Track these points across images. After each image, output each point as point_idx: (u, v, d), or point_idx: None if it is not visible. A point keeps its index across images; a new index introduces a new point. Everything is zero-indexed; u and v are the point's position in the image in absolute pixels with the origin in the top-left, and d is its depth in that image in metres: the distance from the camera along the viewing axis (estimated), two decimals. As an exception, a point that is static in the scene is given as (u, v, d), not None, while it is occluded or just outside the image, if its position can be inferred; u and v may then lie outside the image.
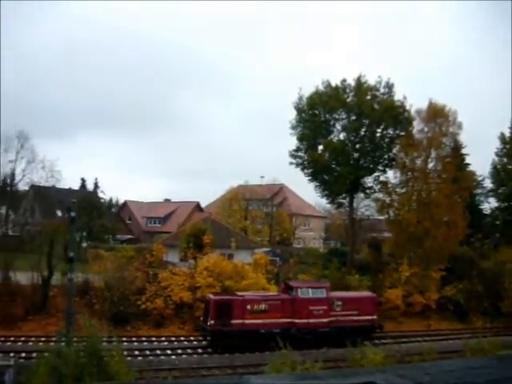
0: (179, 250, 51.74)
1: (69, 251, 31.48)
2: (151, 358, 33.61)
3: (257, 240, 69.15)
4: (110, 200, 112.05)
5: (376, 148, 55.14)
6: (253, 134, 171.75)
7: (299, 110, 56.24)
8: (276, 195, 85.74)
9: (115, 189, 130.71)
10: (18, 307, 41.19)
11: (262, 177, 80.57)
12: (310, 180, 57.71)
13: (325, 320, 38.24)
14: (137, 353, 33.70)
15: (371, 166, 55.91)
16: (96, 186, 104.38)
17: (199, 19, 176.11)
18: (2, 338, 36.38)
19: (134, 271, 44.20)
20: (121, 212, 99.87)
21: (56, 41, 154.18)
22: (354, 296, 42.16)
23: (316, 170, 55.85)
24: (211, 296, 37.41)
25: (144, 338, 38.03)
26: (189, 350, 35.97)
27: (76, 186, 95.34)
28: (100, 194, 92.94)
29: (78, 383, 16.83)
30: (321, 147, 56.62)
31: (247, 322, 36.51)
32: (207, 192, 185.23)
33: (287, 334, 35.23)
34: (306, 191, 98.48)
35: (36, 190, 62.14)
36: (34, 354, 29.59)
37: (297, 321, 37.53)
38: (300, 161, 56.64)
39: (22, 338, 36.73)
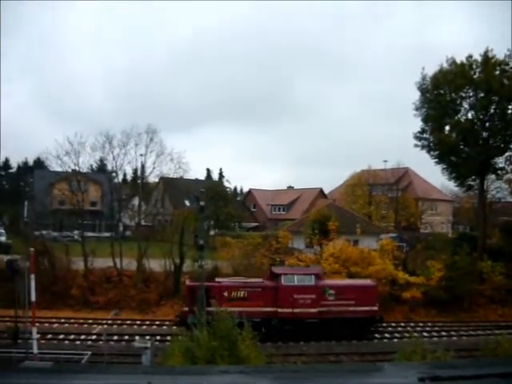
0: (304, 236, 51.95)
1: (198, 239, 32.50)
2: (280, 343, 34.14)
3: (382, 226, 68.00)
4: (235, 189, 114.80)
5: (507, 126, 52.08)
6: (374, 117, 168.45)
7: (423, 90, 54.31)
8: (401, 179, 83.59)
9: (239, 178, 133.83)
10: (152, 293, 43.50)
11: (386, 161, 79.05)
12: (436, 162, 55.57)
13: (313, 310, 34.94)
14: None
15: (502, 145, 52.87)
16: (221, 175, 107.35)
17: (316, 5, 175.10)
18: (139, 322, 38.69)
19: (260, 258, 45.04)
20: (246, 200, 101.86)
21: (180, 39, 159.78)
22: (351, 284, 38.34)
23: (443, 151, 53.71)
24: (187, 282, 36.44)
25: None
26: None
27: (202, 176, 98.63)
28: (225, 184, 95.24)
29: (209, 365, 17.43)
30: (447, 128, 54.39)
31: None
32: (330, 178, 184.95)
33: (268, 324, 33.46)
34: (432, 174, 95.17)
35: (165, 181, 64.68)
36: (169, 337, 31.36)
37: (280, 310, 34.83)
38: (425, 143, 54.72)
39: (157, 322, 38.83)
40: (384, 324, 38.25)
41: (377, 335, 36.76)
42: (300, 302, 34.85)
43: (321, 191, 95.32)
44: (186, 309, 34.23)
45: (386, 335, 37.09)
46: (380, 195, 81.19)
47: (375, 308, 35.92)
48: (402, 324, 39.92)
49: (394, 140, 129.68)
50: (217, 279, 37.24)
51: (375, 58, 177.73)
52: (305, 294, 34.89)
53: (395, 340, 35.78)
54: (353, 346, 34.21)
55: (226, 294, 34.47)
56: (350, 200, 77.94)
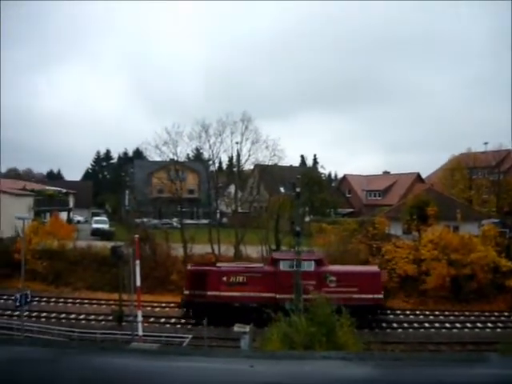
0: (402, 222, 50.95)
1: (295, 225, 32.62)
2: (377, 330, 33.83)
3: (483, 211, 65.40)
4: (330, 175, 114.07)
5: None
6: (471, 100, 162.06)
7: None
8: (503, 162, 79.94)
9: (333, 163, 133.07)
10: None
11: (486, 143, 75.72)
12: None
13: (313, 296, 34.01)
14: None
15: None
16: (315, 161, 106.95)
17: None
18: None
19: (357, 244, 44.61)
20: (340, 186, 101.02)
21: (269, 28, 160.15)
22: (354, 271, 36.69)
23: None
24: (189, 266, 36.42)
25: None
26: (415, 324, 35.54)
27: (296, 162, 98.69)
28: (320, 170, 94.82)
29: (305, 351, 17.54)
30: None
31: (222, 294, 34.54)
32: (427, 162, 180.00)
33: (266, 309, 32.90)
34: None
35: (260, 168, 65.24)
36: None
37: (278, 296, 33.96)
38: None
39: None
40: (486, 313, 37.04)
41: (478, 324, 35.61)
42: None
43: (418, 176, 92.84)
44: (187, 292, 35.22)
45: (489, 325, 35.81)
46: (481, 179, 78.03)
47: (380, 296, 34.68)
48: (506, 313, 38.37)
49: (494, 122, 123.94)
50: (218, 264, 37.72)
51: (467, 37, 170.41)
52: (304, 280, 33.65)
53: (498, 330, 34.53)
54: (454, 334, 33.36)
55: (225, 278, 34.76)
56: (448, 184, 75.42)
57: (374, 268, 37.33)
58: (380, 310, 35.69)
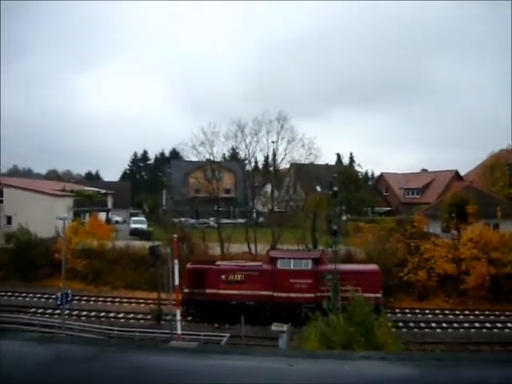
0: (440, 220, 50.26)
1: (332, 224, 32.54)
2: (416, 330, 33.46)
3: (525, 208, 64.05)
4: (366, 173, 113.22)
5: None
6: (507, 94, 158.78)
7: None
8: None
9: (370, 162, 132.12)
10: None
11: (527, 139, 74.18)
12: None
13: (310, 295, 33.63)
14: (401, 324, 33.81)
15: None
16: (351, 160, 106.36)
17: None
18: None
19: (395, 243, 44.14)
20: (377, 184, 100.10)
21: (306, 28, 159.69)
22: (353, 269, 35.68)
23: None
24: (188, 265, 36.44)
25: (407, 310, 37.92)
26: (455, 324, 35.03)
27: (332, 161, 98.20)
28: (356, 168, 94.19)
29: (344, 350, 17.46)
30: None
31: (221, 292, 34.68)
32: (465, 159, 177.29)
33: (263, 307, 33.26)
34: None
35: (296, 167, 65.19)
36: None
37: (275, 294, 34.16)
38: None
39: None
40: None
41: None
42: (296, 287, 34.48)
43: (456, 173, 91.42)
44: (187, 290, 35.41)
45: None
46: (523, 176, 76.40)
47: (379, 295, 33.62)
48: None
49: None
50: (217, 262, 37.94)
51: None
52: (301, 279, 34.44)
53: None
54: (495, 335, 32.79)
55: (223, 276, 34.97)
56: (488, 182, 74.03)
57: (373, 267, 36.69)
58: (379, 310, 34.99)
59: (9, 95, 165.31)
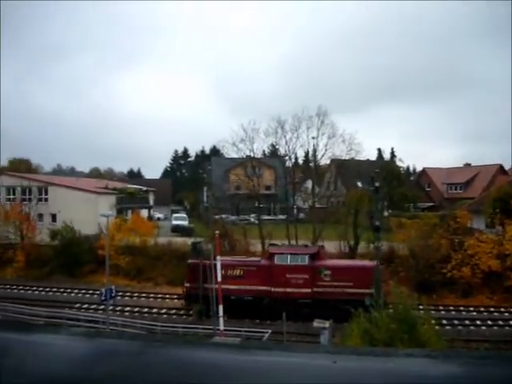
0: (485, 216, 49.31)
1: (374, 220, 32.26)
2: (460, 327, 32.94)
3: None
4: (408, 168, 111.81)
5: None
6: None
7: None
8: None
9: (412, 157, 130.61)
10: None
11: None
12: None
13: (307, 290, 33.91)
14: (445, 322, 33.32)
15: None
16: (393, 155, 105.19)
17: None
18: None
19: (438, 239, 43.46)
20: (420, 179, 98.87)
21: (346, 23, 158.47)
22: (349, 265, 36.90)
23: None
24: (189, 260, 36.79)
25: (451, 308, 37.34)
26: (500, 322, 34.34)
27: (373, 156, 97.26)
28: (398, 163, 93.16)
29: (388, 348, 17.30)
30: None
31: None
32: (509, 153, 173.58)
33: (260, 302, 33.49)
34: None
35: (337, 163, 64.78)
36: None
37: (273, 289, 34.26)
38: None
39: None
40: None
41: None
42: (293, 282, 34.54)
43: (500, 167, 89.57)
44: (188, 285, 36.24)
45: None
46: None
47: (370, 291, 31.96)
48: None
49: None
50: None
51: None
52: (298, 274, 34.57)
53: None
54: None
55: (222, 272, 34.25)
56: (535, 176, 72.45)
57: (370, 262, 35.82)
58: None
59: (51, 95, 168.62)
